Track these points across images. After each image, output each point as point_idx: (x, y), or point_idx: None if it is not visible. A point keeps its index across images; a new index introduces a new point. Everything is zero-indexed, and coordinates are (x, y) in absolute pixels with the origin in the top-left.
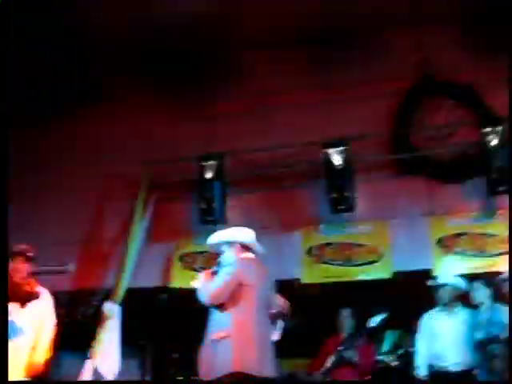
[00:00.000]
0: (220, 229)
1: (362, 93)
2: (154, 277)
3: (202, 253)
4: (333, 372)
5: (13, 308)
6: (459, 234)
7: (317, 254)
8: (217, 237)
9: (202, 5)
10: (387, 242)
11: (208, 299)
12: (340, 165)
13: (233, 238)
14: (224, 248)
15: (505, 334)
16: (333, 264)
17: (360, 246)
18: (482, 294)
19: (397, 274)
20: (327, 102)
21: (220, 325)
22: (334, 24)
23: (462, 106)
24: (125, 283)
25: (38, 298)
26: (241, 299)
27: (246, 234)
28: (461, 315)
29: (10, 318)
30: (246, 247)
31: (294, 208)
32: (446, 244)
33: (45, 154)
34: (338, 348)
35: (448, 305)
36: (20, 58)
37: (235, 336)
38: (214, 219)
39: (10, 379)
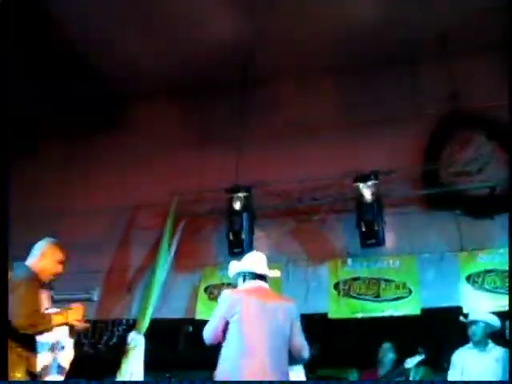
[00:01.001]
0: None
1: (391, 126)
2: (180, 307)
3: (228, 284)
4: None
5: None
6: (489, 271)
7: (344, 288)
8: (231, 268)
9: (229, 34)
10: (416, 277)
11: (205, 340)
12: (370, 199)
13: (242, 268)
14: (239, 280)
15: None
16: (360, 299)
17: (388, 281)
18: None
19: (425, 311)
20: (357, 135)
21: (218, 361)
22: (363, 57)
23: (493, 140)
24: (150, 313)
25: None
26: (229, 335)
27: (256, 264)
28: (493, 353)
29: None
30: (258, 276)
31: (321, 241)
32: (476, 280)
33: (71, 180)
34: None
35: (480, 342)
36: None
37: (218, 373)
38: (241, 251)
39: None
